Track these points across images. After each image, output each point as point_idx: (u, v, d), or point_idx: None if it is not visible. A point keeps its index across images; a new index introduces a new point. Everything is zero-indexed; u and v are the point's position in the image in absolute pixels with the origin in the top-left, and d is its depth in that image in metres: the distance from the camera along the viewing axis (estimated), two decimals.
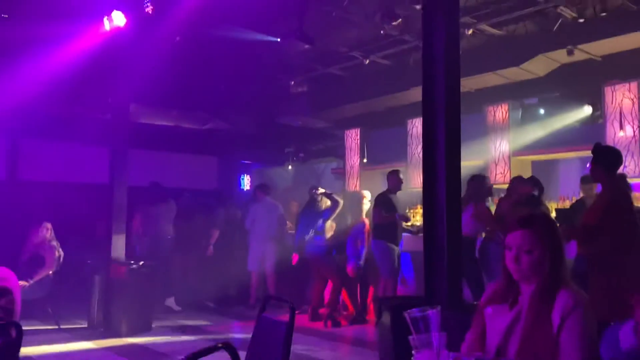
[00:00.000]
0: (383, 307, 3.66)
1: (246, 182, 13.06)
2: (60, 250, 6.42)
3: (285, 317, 2.59)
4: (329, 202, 6.85)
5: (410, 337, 1.69)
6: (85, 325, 6.43)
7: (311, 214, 6.89)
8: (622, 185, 4.10)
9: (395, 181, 6.62)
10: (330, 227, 6.83)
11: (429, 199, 3.55)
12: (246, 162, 12.70)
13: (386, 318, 3.62)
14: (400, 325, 3.56)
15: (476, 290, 5.18)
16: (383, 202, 6.43)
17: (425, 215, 3.59)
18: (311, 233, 6.77)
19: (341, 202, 6.91)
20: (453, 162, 3.55)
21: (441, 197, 3.50)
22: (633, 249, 3.64)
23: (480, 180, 5.75)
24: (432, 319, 1.68)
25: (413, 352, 1.68)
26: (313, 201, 6.94)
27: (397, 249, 6.44)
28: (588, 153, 7.56)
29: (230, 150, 11.69)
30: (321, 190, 7.04)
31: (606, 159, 3.96)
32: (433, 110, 3.63)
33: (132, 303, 6.17)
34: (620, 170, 4.20)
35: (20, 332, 2.29)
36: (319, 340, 5.87)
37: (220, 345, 1.93)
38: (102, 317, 6.29)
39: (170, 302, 7.53)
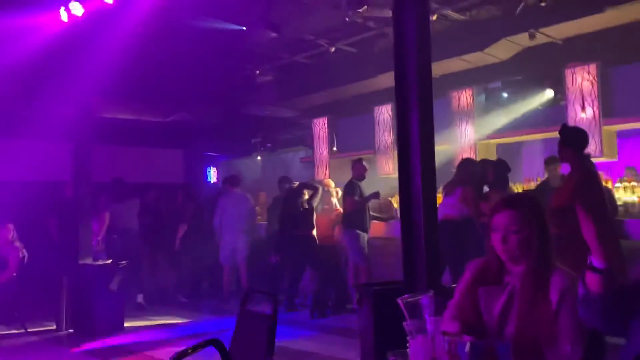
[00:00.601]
0: (363, 294, 3.66)
1: (213, 175, 12.89)
2: (24, 251, 6.20)
3: (265, 310, 2.57)
4: (308, 193, 6.85)
5: (404, 323, 1.69)
6: (54, 328, 6.24)
7: (290, 208, 6.82)
8: (590, 165, 4.21)
9: (360, 169, 6.74)
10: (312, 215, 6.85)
11: (405, 185, 3.56)
12: (212, 154, 12.53)
13: (366, 305, 3.63)
14: (380, 312, 3.59)
15: (457, 273, 5.26)
16: (353, 189, 6.47)
17: (401, 201, 3.59)
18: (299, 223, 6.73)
19: (320, 188, 6.95)
20: (427, 148, 3.56)
21: (417, 183, 3.50)
22: (604, 227, 3.75)
23: (469, 164, 5.79)
24: (425, 304, 1.68)
25: (408, 337, 1.67)
26: (293, 195, 6.88)
27: (366, 236, 6.54)
28: (551, 135, 7.76)
29: (196, 143, 11.50)
30: (296, 183, 7.09)
31: (575, 139, 4.06)
32: (406, 97, 3.63)
33: (103, 302, 6.02)
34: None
35: None
36: (299, 330, 5.87)
37: (207, 341, 1.88)
38: (72, 319, 6.11)
39: (140, 298, 7.39)
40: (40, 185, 7.02)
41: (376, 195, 6.63)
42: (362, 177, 6.72)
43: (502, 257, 1.94)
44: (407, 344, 1.67)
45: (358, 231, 6.47)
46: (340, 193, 7.63)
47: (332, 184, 7.60)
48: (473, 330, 1.86)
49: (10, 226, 6.24)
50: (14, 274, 6.01)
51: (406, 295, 1.71)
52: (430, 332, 1.64)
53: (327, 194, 7.42)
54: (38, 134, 6.93)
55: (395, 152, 8.72)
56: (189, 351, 1.73)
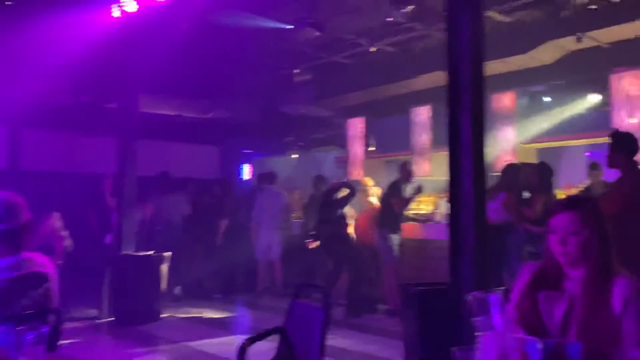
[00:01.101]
0: (406, 295, 3.66)
1: (247, 172, 13.03)
2: (69, 240, 6.37)
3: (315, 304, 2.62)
4: (346, 191, 6.88)
5: (473, 320, 1.69)
6: (96, 315, 6.41)
7: (328, 206, 6.88)
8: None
9: (409, 172, 6.78)
10: (350, 214, 6.89)
11: (454, 187, 3.55)
12: (247, 151, 12.67)
13: (410, 305, 3.63)
14: (424, 312, 3.59)
15: (496, 277, 5.24)
16: (399, 190, 6.58)
17: (451, 204, 3.58)
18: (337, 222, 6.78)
19: (358, 190, 7.04)
20: (478, 151, 3.55)
21: (467, 186, 3.50)
22: None
23: (513, 169, 5.73)
24: (494, 301, 1.68)
25: (476, 333, 1.68)
26: (330, 193, 6.95)
27: (397, 237, 6.57)
28: (594, 140, 7.62)
29: (232, 140, 11.65)
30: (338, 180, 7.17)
31: (627, 145, 3.97)
32: (458, 100, 3.62)
33: (142, 292, 6.16)
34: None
35: (60, 318, 2.28)
36: (333, 328, 5.88)
37: (273, 329, 1.92)
38: (112, 307, 6.27)
39: (178, 290, 7.54)
40: (85, 178, 7.20)
41: (419, 189, 6.63)
42: (409, 180, 6.75)
43: (560, 260, 1.90)
44: (475, 340, 1.68)
45: (389, 232, 6.51)
46: (377, 192, 7.63)
47: (370, 183, 7.58)
48: (535, 335, 1.85)
49: (56, 215, 6.41)
50: (60, 262, 6.19)
51: (475, 292, 1.71)
52: (499, 329, 1.64)
53: (365, 192, 7.41)
54: (86, 127, 7.12)
55: (432, 154, 8.73)
56: (256, 339, 1.77)
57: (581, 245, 1.85)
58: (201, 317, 6.68)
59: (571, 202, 1.97)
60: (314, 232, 7.11)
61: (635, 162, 4.15)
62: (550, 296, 1.91)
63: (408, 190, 6.61)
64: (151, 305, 6.26)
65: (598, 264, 1.85)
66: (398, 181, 6.67)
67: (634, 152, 4.08)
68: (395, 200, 6.53)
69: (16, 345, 1.64)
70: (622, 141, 4.01)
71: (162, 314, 6.44)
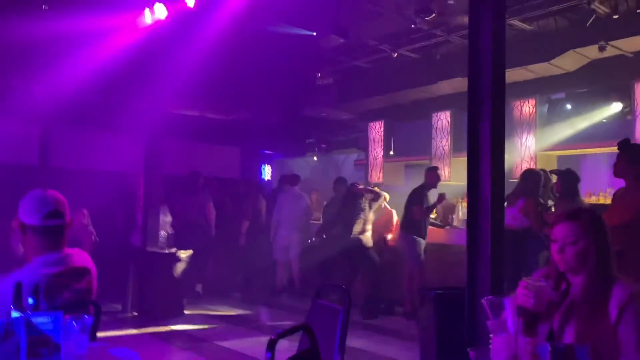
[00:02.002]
0: (424, 298, 3.75)
1: (267, 172, 13.19)
2: (96, 236, 6.58)
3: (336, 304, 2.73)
4: (370, 195, 6.98)
5: (488, 322, 1.80)
6: (120, 309, 6.61)
7: (350, 206, 6.94)
8: None
9: (434, 178, 6.74)
10: (370, 219, 6.98)
11: (473, 192, 3.63)
12: (268, 152, 12.83)
13: (428, 308, 3.72)
14: (443, 315, 3.68)
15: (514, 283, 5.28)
16: (421, 198, 6.57)
17: (469, 208, 3.66)
18: (356, 226, 6.85)
19: (382, 195, 7.08)
20: (498, 155, 3.62)
21: (486, 189, 3.56)
22: None
23: (533, 175, 5.69)
24: (507, 305, 1.78)
25: (491, 335, 1.78)
26: (353, 195, 7.00)
27: (423, 242, 6.61)
28: (615, 149, 7.59)
29: (253, 141, 11.80)
30: (360, 184, 7.24)
31: (636, 156, 3.99)
32: (478, 105, 3.69)
33: (166, 289, 6.35)
34: None
35: (99, 311, 2.42)
36: (351, 329, 5.99)
37: (299, 326, 2.04)
38: (137, 302, 6.46)
39: (199, 287, 7.71)
40: (113, 176, 7.42)
41: (442, 198, 6.62)
42: (434, 186, 6.73)
43: (560, 268, 1.97)
44: (488, 342, 1.78)
45: (415, 237, 6.54)
46: (388, 197, 7.70)
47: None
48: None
49: (85, 211, 6.63)
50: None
51: (489, 296, 1.82)
52: (512, 331, 1.74)
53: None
54: (114, 126, 7.34)
55: (452, 159, 8.78)
56: (284, 334, 1.89)
57: (577, 254, 1.93)
58: (221, 315, 6.84)
59: (572, 213, 2.06)
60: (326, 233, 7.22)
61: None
62: (552, 301, 1.99)
63: (431, 198, 6.61)
64: (174, 302, 6.44)
65: (595, 272, 1.93)
66: (421, 187, 6.67)
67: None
68: (415, 208, 6.55)
69: (63, 333, 1.78)
70: (631, 152, 4.04)
71: (185, 310, 6.62)
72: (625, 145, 4.12)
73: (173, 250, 6.53)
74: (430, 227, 6.89)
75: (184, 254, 6.47)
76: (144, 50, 6.13)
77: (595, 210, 2.20)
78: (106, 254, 6.68)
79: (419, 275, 6.55)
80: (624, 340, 1.82)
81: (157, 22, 5.64)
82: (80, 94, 7.33)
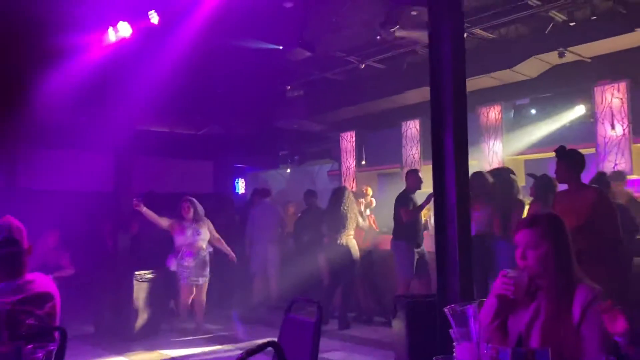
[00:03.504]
0: (398, 306, 3.79)
1: (241, 186, 13.16)
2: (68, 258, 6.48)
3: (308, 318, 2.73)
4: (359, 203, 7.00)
5: (450, 331, 1.83)
6: (93, 331, 6.48)
7: (334, 213, 6.80)
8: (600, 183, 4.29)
9: (414, 180, 6.45)
10: (353, 226, 6.90)
11: (439, 199, 3.69)
12: (241, 165, 12.81)
13: (401, 316, 3.75)
14: (415, 323, 3.72)
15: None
16: (406, 201, 6.32)
17: (436, 215, 3.73)
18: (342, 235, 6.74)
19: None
20: (461, 162, 3.70)
21: (451, 196, 3.64)
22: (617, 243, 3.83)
23: (479, 178, 5.59)
24: (470, 313, 1.82)
25: (454, 343, 1.81)
26: (338, 201, 6.82)
27: (418, 250, 6.30)
28: (581, 151, 7.79)
29: (226, 155, 11.78)
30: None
31: (574, 161, 4.21)
32: (441, 115, 3.77)
33: (140, 308, 6.25)
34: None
35: (65, 337, 2.38)
36: (329, 340, 6.00)
37: (266, 343, 2.04)
38: (110, 323, 6.35)
39: (172, 304, 7.60)
40: (85, 195, 7.32)
41: (431, 197, 6.02)
42: (417, 188, 6.45)
43: (523, 273, 2.02)
44: (453, 350, 1.81)
45: (405, 243, 6.29)
46: (374, 203, 7.74)
47: (370, 193, 7.73)
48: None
49: (56, 233, 6.53)
50: (72, 272, 6.33)
51: (453, 305, 1.85)
52: (475, 339, 1.78)
53: (364, 202, 7.54)
54: (83, 145, 7.25)
55: (422, 167, 8.90)
56: (248, 355, 1.89)
57: (538, 259, 1.99)
58: (197, 330, 6.75)
59: (532, 220, 2.12)
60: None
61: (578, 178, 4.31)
62: (519, 305, 2.05)
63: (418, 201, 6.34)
64: (149, 321, 6.34)
65: (558, 275, 1.99)
66: (404, 191, 6.45)
67: (582, 168, 4.28)
68: (402, 210, 6.28)
69: None
70: (568, 157, 4.24)
71: (160, 328, 6.53)
72: (562, 152, 4.32)
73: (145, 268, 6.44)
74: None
75: (155, 273, 6.40)
76: (110, 68, 6.09)
77: (555, 214, 2.26)
78: (78, 276, 6.61)
79: (404, 283, 6.24)
80: (587, 340, 1.88)
81: (122, 40, 5.60)
82: (47, 113, 7.24)
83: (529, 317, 2.02)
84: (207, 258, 6.48)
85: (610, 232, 4.04)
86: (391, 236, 6.61)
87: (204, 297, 6.54)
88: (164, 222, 6.37)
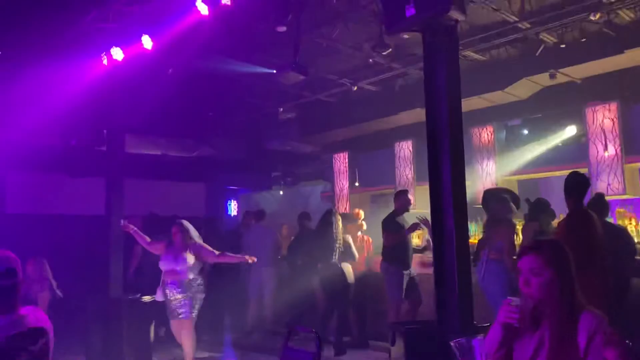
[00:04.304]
0: (396, 333, 3.73)
1: (233, 208, 13.07)
2: (58, 287, 6.36)
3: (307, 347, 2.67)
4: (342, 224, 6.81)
5: None
6: (84, 358, 6.33)
7: (326, 235, 6.68)
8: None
9: (403, 202, 6.46)
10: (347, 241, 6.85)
11: (437, 225, 3.67)
12: (233, 187, 12.75)
13: (400, 344, 3.69)
14: (414, 351, 3.66)
15: None
16: (390, 224, 6.32)
17: (434, 241, 3.69)
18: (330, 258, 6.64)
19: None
20: (458, 185, 3.68)
21: (449, 222, 3.61)
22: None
23: (504, 203, 5.53)
24: (476, 346, 1.78)
25: None
26: (328, 223, 6.71)
27: (406, 271, 6.24)
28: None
29: (218, 176, 11.73)
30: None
31: (574, 188, 4.33)
32: (437, 137, 3.77)
33: (132, 335, 6.12)
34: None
35: None
36: None
37: None
38: (101, 351, 6.20)
39: (162, 332, 7.47)
40: (75, 220, 7.22)
41: (415, 227, 6.23)
42: (405, 210, 6.46)
43: (527, 300, 2.00)
44: None
45: (394, 266, 6.23)
46: (365, 225, 7.69)
47: (362, 215, 7.69)
48: None
49: (44, 262, 6.42)
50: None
51: (459, 338, 1.81)
52: None
53: (356, 225, 7.50)
54: (75, 170, 7.17)
55: (416, 188, 8.89)
56: None
57: (542, 285, 1.97)
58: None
59: (534, 245, 2.09)
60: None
61: (581, 204, 4.38)
62: (523, 333, 2.01)
63: (406, 226, 6.31)
64: (140, 349, 6.21)
65: (562, 303, 1.96)
66: (391, 213, 6.44)
67: (582, 195, 4.38)
68: (384, 235, 6.32)
69: None
70: (569, 185, 4.33)
71: (152, 356, 6.39)
72: (566, 180, 4.42)
73: (137, 295, 6.33)
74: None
75: (147, 299, 6.28)
76: (102, 92, 6.05)
77: (558, 241, 2.24)
78: (68, 302, 6.48)
79: (395, 307, 6.19)
80: None
81: (115, 65, 5.58)
82: (38, 138, 7.18)
83: (534, 346, 1.98)
84: (197, 289, 5.66)
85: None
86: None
87: (191, 333, 5.72)
88: (154, 246, 5.87)
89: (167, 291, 5.59)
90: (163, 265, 5.66)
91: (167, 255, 5.68)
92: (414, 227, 6.24)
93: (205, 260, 5.90)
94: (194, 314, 5.65)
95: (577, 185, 4.37)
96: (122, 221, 5.88)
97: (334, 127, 9.82)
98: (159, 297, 5.71)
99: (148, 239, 5.90)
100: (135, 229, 5.85)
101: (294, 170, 12.24)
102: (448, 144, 3.72)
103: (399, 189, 9.10)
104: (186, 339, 5.70)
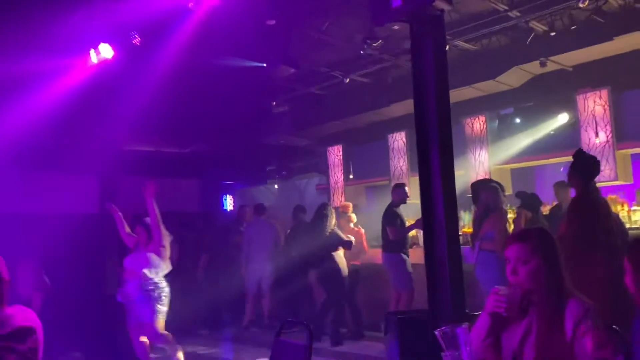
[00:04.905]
0: (389, 322, 3.75)
1: (229, 203, 13.07)
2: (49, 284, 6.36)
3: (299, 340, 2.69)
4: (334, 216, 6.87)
5: (442, 354, 1.80)
6: (79, 355, 6.35)
7: (319, 228, 6.74)
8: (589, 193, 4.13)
9: (401, 194, 6.62)
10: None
11: (427, 216, 3.68)
12: (229, 182, 12.73)
13: (392, 333, 3.72)
14: (406, 340, 3.68)
15: None
16: (393, 219, 6.39)
17: (425, 232, 3.71)
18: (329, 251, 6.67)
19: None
20: (448, 176, 3.70)
21: (439, 212, 3.63)
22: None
23: (496, 192, 5.54)
24: (460, 335, 1.79)
25: None
26: (321, 217, 6.78)
27: (409, 260, 6.35)
28: (566, 159, 7.85)
29: (213, 172, 11.72)
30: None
31: (583, 166, 4.06)
32: (426, 128, 3.78)
33: (128, 333, 6.13)
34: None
35: None
36: (321, 359, 5.94)
37: None
38: (98, 349, 6.23)
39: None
40: (68, 218, 7.20)
41: (419, 223, 6.22)
42: (403, 202, 6.59)
43: (516, 289, 2.02)
44: None
45: (402, 255, 6.26)
46: (355, 218, 7.69)
47: (351, 208, 7.71)
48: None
49: (35, 261, 6.42)
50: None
51: (445, 327, 1.82)
52: None
53: (346, 215, 7.52)
54: (67, 168, 7.16)
55: (410, 179, 8.90)
56: None
57: (529, 273, 1.99)
58: (188, 352, 6.64)
59: (521, 234, 2.11)
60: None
61: (590, 184, 4.20)
62: (511, 321, 2.03)
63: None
64: (137, 346, 6.21)
65: (549, 290, 1.99)
66: (390, 206, 6.50)
67: (591, 174, 4.10)
68: (389, 230, 6.36)
69: None
70: (579, 162, 4.11)
71: (150, 353, 6.41)
72: (575, 155, 4.17)
73: None
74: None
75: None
76: (92, 89, 6.04)
77: (545, 229, 2.26)
78: (64, 302, 6.48)
79: (407, 297, 6.19)
80: (580, 354, 1.86)
81: (105, 62, 5.56)
82: (29, 136, 7.15)
83: (522, 334, 2.00)
84: (159, 292, 5.14)
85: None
86: (380, 250, 6.61)
87: (159, 336, 5.23)
88: (129, 239, 5.39)
89: (125, 290, 5.16)
90: (127, 264, 5.24)
91: (132, 254, 5.28)
92: (418, 224, 6.33)
93: (163, 249, 5.24)
94: (157, 317, 5.14)
95: (585, 161, 4.09)
96: (107, 204, 5.49)
97: (327, 120, 9.81)
98: (119, 297, 5.24)
99: (127, 229, 5.46)
100: (120, 215, 5.46)
101: (289, 164, 12.24)
102: (437, 134, 3.74)
103: (394, 180, 9.17)
104: (157, 342, 5.28)
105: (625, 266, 1.88)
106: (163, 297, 5.16)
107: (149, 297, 5.09)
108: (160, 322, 5.14)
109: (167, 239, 5.22)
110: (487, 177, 8.09)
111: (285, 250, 7.96)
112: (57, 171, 7.67)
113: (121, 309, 5.71)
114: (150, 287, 5.10)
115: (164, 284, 5.20)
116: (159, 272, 5.17)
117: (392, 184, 9.12)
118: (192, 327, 7.82)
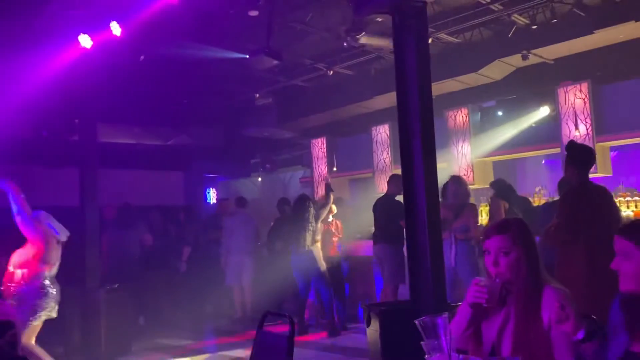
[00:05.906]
0: (371, 314, 3.77)
1: (212, 196, 13.01)
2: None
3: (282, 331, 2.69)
4: (315, 207, 6.83)
5: (422, 343, 1.81)
6: (62, 352, 6.28)
7: (299, 220, 6.74)
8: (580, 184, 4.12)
9: (396, 185, 6.29)
10: (319, 229, 6.85)
11: (409, 206, 3.70)
12: (212, 175, 12.67)
13: (375, 324, 3.74)
14: (388, 331, 3.71)
15: None
16: (402, 209, 6.26)
17: (407, 222, 3.73)
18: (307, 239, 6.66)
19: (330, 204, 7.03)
20: (430, 168, 3.72)
21: (421, 203, 3.66)
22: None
23: (464, 185, 5.68)
24: (440, 324, 1.80)
25: (426, 357, 1.79)
26: (301, 208, 6.77)
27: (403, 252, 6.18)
28: (547, 151, 7.93)
29: (196, 165, 11.65)
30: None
31: (578, 157, 4.02)
32: (408, 120, 3.79)
33: (111, 326, 6.09)
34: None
35: None
36: (314, 352, 5.96)
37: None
38: (80, 343, 6.16)
39: (142, 320, 7.48)
40: (53, 211, 7.09)
41: None
42: (399, 194, 6.17)
43: (496, 279, 2.04)
44: None
45: (394, 246, 6.15)
46: (335, 209, 7.68)
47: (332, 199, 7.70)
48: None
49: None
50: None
51: (424, 317, 1.83)
52: (446, 350, 1.77)
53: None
54: (47, 161, 7.05)
55: (393, 172, 8.94)
56: None
57: (510, 264, 2.01)
58: (171, 346, 6.62)
59: (502, 225, 2.13)
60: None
61: (586, 174, 4.20)
62: (491, 312, 2.05)
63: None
64: (120, 338, 6.18)
65: (526, 280, 2.01)
66: (392, 197, 6.34)
67: (585, 164, 4.02)
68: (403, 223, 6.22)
69: None
70: (573, 153, 4.10)
71: (130, 347, 6.37)
72: (569, 147, 4.08)
73: (115, 285, 6.28)
74: None
75: (124, 288, 6.25)
76: (71, 82, 5.94)
77: (523, 220, 2.28)
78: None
79: (394, 289, 6.14)
80: (556, 341, 1.90)
81: (84, 52, 5.47)
82: (7, 129, 7.02)
83: (500, 323, 2.03)
84: (35, 294, 4.58)
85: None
86: (365, 242, 6.62)
87: (28, 345, 4.55)
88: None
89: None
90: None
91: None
92: None
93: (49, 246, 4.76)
94: (31, 322, 4.58)
95: (579, 152, 4.02)
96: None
97: (311, 113, 9.80)
98: None
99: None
100: (23, 197, 4.73)
101: (273, 157, 12.21)
102: (419, 126, 3.76)
103: (377, 173, 9.20)
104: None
105: (626, 247, 1.81)
106: (39, 298, 4.63)
107: (27, 298, 4.56)
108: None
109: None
110: (470, 169, 8.17)
111: (268, 242, 7.96)
112: (37, 164, 7.55)
113: (104, 300, 5.67)
114: (27, 288, 4.60)
115: (42, 284, 4.69)
116: (39, 274, 4.66)
117: (376, 176, 9.20)
118: (176, 320, 7.79)
